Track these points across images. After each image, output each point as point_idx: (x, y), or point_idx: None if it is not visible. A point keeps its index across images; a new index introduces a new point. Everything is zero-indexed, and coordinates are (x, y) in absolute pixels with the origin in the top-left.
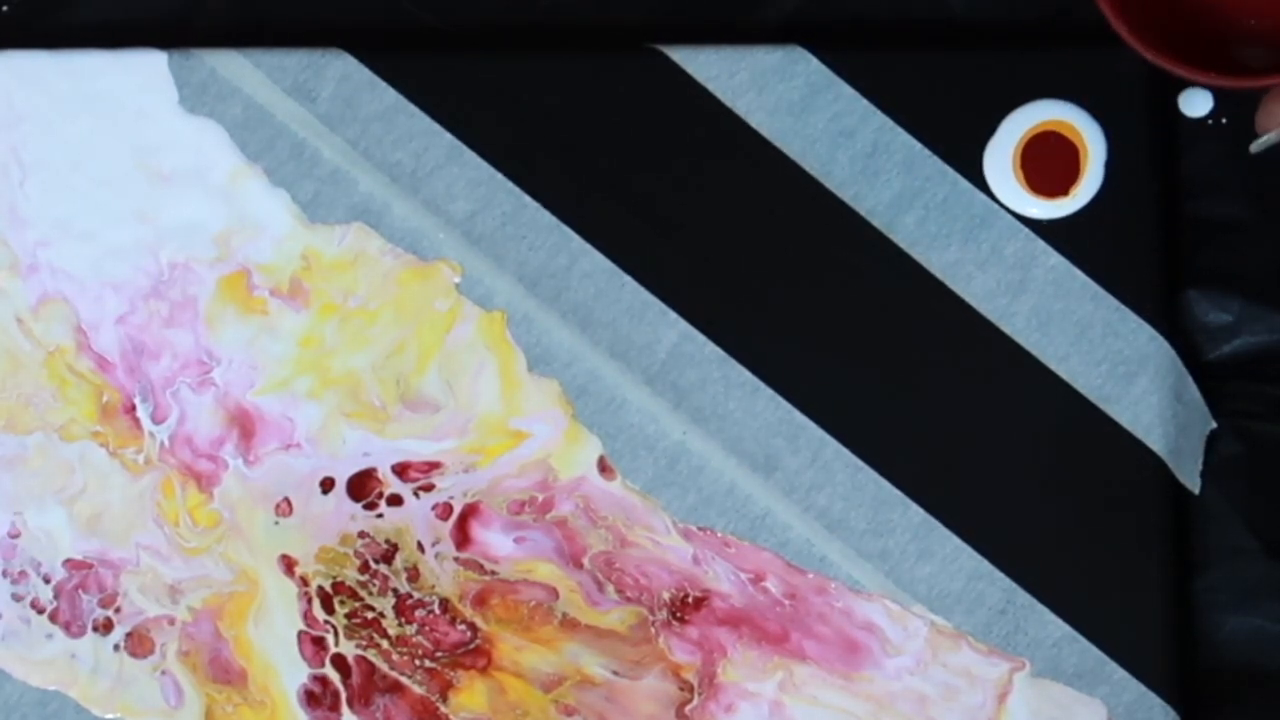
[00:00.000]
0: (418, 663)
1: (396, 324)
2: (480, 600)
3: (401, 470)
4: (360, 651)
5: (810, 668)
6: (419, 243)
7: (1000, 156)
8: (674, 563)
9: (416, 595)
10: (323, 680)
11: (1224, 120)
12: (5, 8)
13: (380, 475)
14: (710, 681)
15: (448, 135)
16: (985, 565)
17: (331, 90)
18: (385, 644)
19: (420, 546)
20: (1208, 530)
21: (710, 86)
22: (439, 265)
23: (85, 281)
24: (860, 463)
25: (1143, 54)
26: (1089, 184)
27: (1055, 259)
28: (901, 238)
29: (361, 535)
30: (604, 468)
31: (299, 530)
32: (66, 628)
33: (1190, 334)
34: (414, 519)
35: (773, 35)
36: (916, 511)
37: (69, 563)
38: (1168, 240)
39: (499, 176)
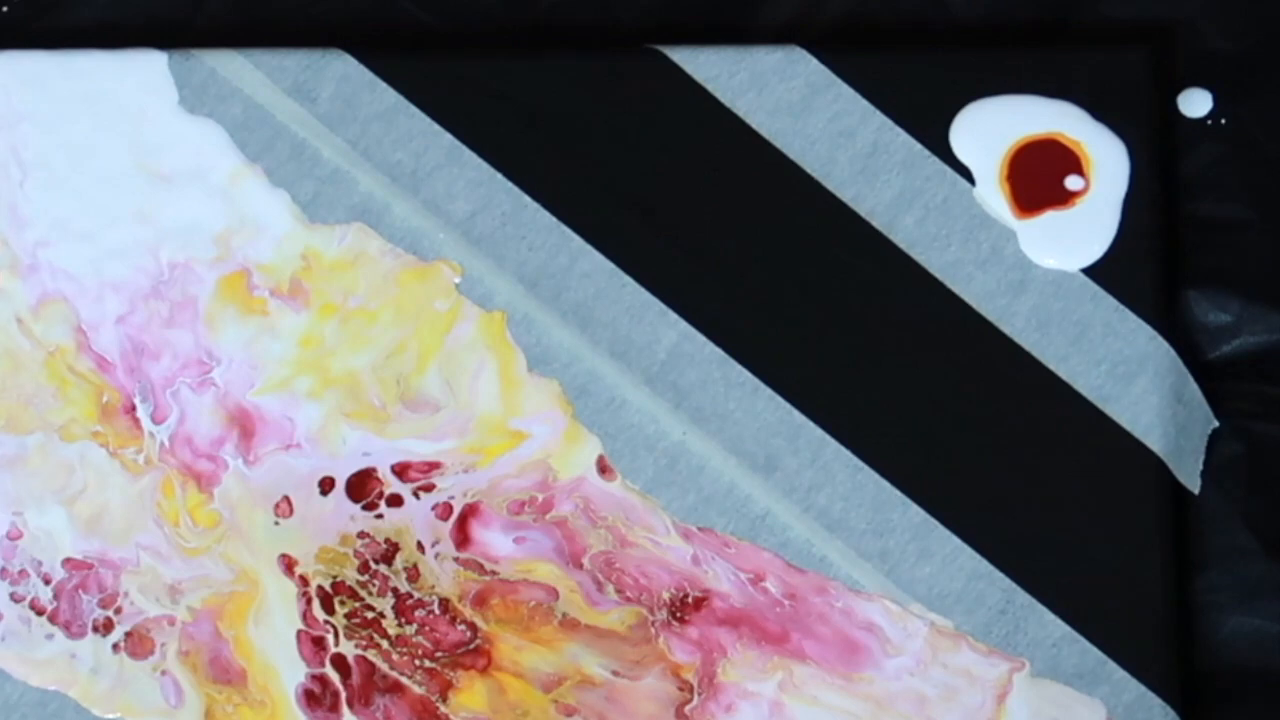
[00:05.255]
0: (418, 663)
1: (396, 324)
2: (480, 600)
3: (401, 470)
4: (360, 651)
5: (810, 668)
6: (419, 243)
7: (989, 180)
8: (674, 563)
9: (416, 595)
10: (322, 680)
11: (1224, 120)
12: (5, 8)
13: (380, 475)
14: (710, 681)
15: (448, 135)
16: (985, 565)
17: (331, 90)
18: (385, 644)
19: (420, 546)
20: (1208, 530)
21: (710, 86)
22: (439, 265)
23: (85, 281)
24: (860, 463)
25: None
26: (1091, 191)
27: None
28: (901, 238)
29: (361, 535)
30: (604, 468)
31: (299, 530)
32: (66, 628)
33: (1190, 334)
34: (414, 519)
35: (773, 35)
36: (916, 511)
37: (69, 563)
38: (1167, 240)
39: (499, 176)
